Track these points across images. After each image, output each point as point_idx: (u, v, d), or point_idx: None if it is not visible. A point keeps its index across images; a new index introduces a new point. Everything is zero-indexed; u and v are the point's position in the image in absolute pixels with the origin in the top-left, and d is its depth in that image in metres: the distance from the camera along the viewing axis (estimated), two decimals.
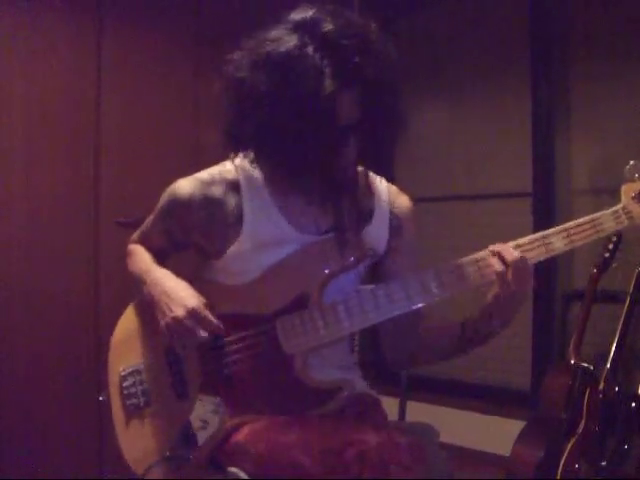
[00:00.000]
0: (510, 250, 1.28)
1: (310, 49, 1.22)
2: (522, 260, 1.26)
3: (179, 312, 1.32)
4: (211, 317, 1.33)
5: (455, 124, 3.37)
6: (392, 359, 1.53)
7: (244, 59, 1.29)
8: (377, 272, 1.49)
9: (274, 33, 1.27)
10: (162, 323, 1.35)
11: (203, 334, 1.32)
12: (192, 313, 1.32)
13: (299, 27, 1.26)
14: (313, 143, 1.25)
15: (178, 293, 1.36)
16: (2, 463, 2.50)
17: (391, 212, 1.48)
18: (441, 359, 1.48)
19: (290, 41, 1.24)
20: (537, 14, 2.99)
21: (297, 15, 1.28)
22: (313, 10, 1.28)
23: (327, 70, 1.21)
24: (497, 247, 1.29)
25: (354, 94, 1.25)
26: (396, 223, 1.48)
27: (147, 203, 1.56)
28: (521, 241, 1.32)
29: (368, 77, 1.23)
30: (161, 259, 1.53)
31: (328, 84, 1.20)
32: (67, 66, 2.72)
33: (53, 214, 2.68)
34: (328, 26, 1.24)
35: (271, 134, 1.27)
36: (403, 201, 1.52)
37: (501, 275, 1.26)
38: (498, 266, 1.27)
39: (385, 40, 1.30)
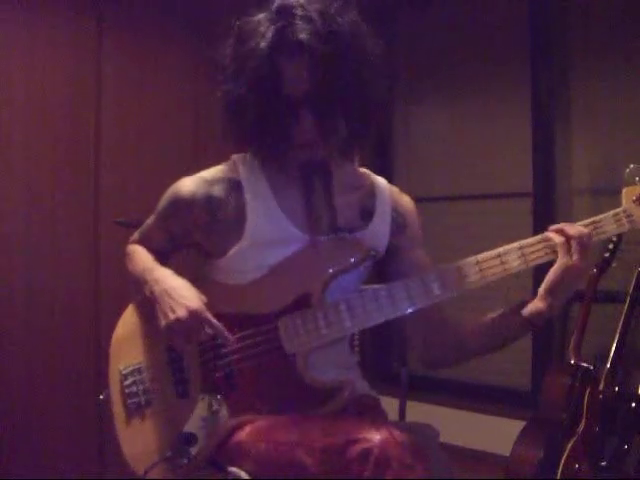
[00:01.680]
0: (572, 225, 1.30)
1: (264, 20, 1.29)
2: (585, 234, 1.29)
3: (181, 313, 1.32)
4: (212, 318, 1.33)
5: (455, 124, 3.36)
6: (428, 359, 1.51)
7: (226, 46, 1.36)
8: (386, 271, 1.49)
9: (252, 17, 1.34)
10: (163, 323, 1.35)
11: (204, 336, 1.32)
12: (194, 314, 1.32)
13: (270, 9, 1.31)
14: (263, 112, 1.29)
15: (180, 293, 1.35)
16: (3, 463, 2.50)
17: (394, 211, 1.48)
18: (484, 354, 1.48)
19: (255, 19, 1.31)
20: (537, 14, 2.99)
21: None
22: None
23: (268, 34, 1.26)
24: (557, 226, 1.32)
25: (298, 63, 1.26)
26: (400, 221, 1.49)
27: (147, 203, 1.56)
28: (524, 242, 1.32)
29: (305, 43, 1.25)
30: (161, 259, 1.53)
31: (263, 44, 1.26)
32: (67, 66, 2.72)
33: (53, 214, 2.68)
34: (292, 2, 1.29)
35: (235, 112, 1.33)
36: (405, 200, 1.53)
37: (564, 246, 1.28)
38: (558, 239, 1.29)
39: (347, 18, 1.31)
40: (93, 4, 2.77)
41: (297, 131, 1.32)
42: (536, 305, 1.33)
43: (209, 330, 1.33)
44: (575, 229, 1.30)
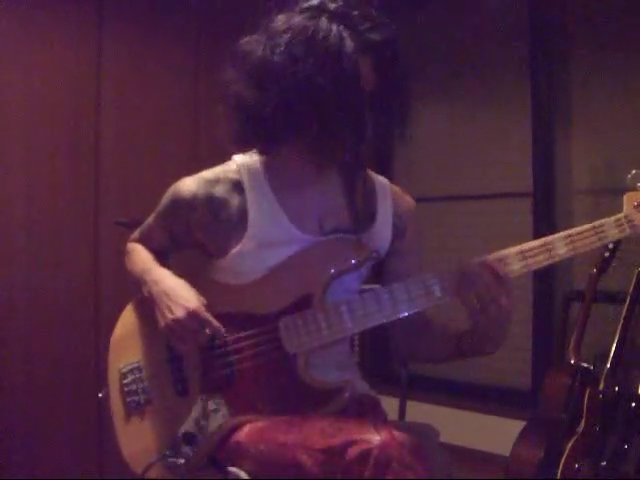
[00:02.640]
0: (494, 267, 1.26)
1: (324, 22, 1.28)
2: (500, 278, 1.25)
3: (179, 313, 1.32)
4: (212, 319, 1.33)
5: (455, 124, 3.36)
6: (404, 352, 1.54)
7: (260, 46, 1.31)
8: (382, 273, 1.49)
9: (288, 19, 1.31)
10: (162, 324, 1.36)
11: (203, 336, 1.33)
12: (193, 315, 1.32)
13: (309, 10, 1.31)
14: (346, 109, 1.27)
15: (178, 293, 1.36)
16: (2, 463, 2.50)
17: (395, 213, 1.48)
18: (437, 361, 1.49)
19: (304, 20, 1.29)
20: (537, 14, 2.99)
21: (304, 3, 1.33)
22: None
23: (346, 38, 1.27)
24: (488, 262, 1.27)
25: (369, 60, 1.29)
26: (400, 224, 1.48)
27: (147, 203, 1.56)
28: (525, 247, 1.32)
29: (379, 42, 1.29)
30: (161, 258, 1.53)
31: (349, 45, 1.26)
32: (67, 66, 2.72)
33: (53, 214, 2.68)
34: (333, 5, 1.30)
35: (305, 114, 1.28)
36: (407, 202, 1.53)
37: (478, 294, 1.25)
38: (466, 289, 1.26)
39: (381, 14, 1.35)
40: (93, 3, 2.76)
41: (363, 133, 1.32)
42: (467, 339, 1.34)
43: (208, 331, 1.33)
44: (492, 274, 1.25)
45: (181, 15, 2.99)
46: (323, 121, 1.28)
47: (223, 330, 1.34)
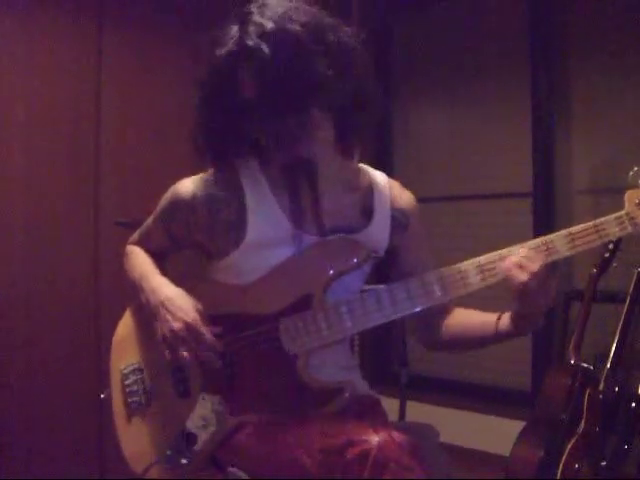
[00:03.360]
0: (533, 261, 1.26)
1: (231, 27, 1.30)
2: (545, 271, 1.26)
3: (176, 325, 1.33)
4: (208, 334, 1.33)
5: (455, 124, 3.37)
6: (428, 343, 1.54)
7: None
8: (389, 270, 1.49)
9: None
10: (159, 334, 1.36)
11: (197, 351, 1.32)
12: (189, 327, 1.32)
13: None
14: (221, 116, 1.32)
15: (176, 304, 1.36)
16: (2, 463, 2.50)
17: (394, 209, 1.47)
18: (474, 349, 1.50)
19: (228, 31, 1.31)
20: (536, 14, 2.99)
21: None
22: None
23: (225, 43, 1.29)
24: (514, 259, 1.27)
25: (247, 66, 1.26)
26: (401, 219, 1.47)
27: (147, 203, 1.56)
28: (525, 245, 1.31)
29: (250, 47, 1.24)
30: (160, 259, 1.53)
31: (220, 52, 1.29)
32: (67, 66, 2.72)
33: (53, 214, 2.68)
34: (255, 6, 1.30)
35: (202, 122, 1.38)
36: (406, 197, 1.51)
37: (525, 285, 1.24)
38: (522, 276, 1.25)
39: (314, 20, 1.31)
40: (93, 3, 2.76)
41: (264, 133, 1.32)
42: (507, 324, 1.34)
43: (204, 345, 1.33)
44: (534, 266, 1.25)
45: (181, 16, 2.99)
46: (205, 124, 1.37)
47: (219, 345, 1.34)
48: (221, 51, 1.28)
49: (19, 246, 2.61)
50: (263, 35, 1.24)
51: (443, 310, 1.46)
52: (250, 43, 1.24)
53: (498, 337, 1.36)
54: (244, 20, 1.28)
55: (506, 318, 1.35)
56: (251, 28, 1.25)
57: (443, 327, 1.47)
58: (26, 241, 2.62)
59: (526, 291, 1.25)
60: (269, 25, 1.24)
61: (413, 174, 3.42)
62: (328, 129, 1.33)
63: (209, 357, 1.34)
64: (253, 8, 1.29)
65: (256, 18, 1.26)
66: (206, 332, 1.33)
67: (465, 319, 1.45)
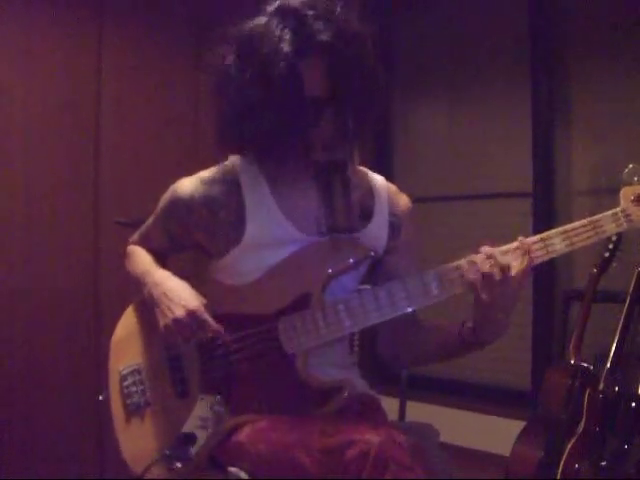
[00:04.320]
0: (497, 257, 1.24)
1: (274, 23, 1.27)
2: (507, 267, 1.23)
3: (179, 313, 1.33)
4: (211, 319, 1.33)
5: (455, 124, 3.36)
6: (390, 357, 1.54)
7: (224, 50, 1.34)
8: (378, 271, 1.49)
9: (251, 20, 1.33)
10: (162, 324, 1.36)
11: (202, 335, 1.33)
12: (192, 315, 1.33)
13: (272, 10, 1.30)
14: (285, 115, 1.27)
15: (178, 294, 1.36)
16: (2, 463, 2.50)
17: (391, 212, 1.48)
18: (439, 360, 1.47)
19: (259, 22, 1.30)
20: (537, 15, 2.99)
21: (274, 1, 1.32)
22: None
23: (286, 37, 1.24)
24: (486, 251, 1.26)
25: (320, 63, 1.26)
26: (396, 223, 1.48)
27: (147, 203, 1.56)
28: (523, 241, 1.32)
29: (328, 44, 1.24)
30: (161, 260, 1.53)
31: (285, 48, 1.23)
32: (67, 65, 2.72)
33: (53, 214, 2.68)
34: (294, 3, 1.28)
35: (248, 117, 1.29)
36: (402, 201, 1.52)
37: (482, 280, 1.23)
38: (472, 274, 1.24)
39: (353, 18, 1.31)
40: (93, 3, 2.77)
41: (317, 133, 1.31)
42: (469, 334, 1.32)
43: (206, 334, 1.33)
44: (488, 266, 1.24)
45: (181, 17, 2.99)
46: (262, 123, 1.28)
47: (223, 331, 1.34)
48: (282, 46, 1.24)
49: (19, 246, 2.61)
50: (340, 33, 1.25)
51: (410, 324, 1.45)
52: (324, 38, 1.23)
53: (461, 345, 1.34)
54: (301, 15, 1.25)
55: (469, 325, 1.32)
56: (318, 23, 1.24)
57: (409, 342, 1.46)
58: (26, 241, 2.62)
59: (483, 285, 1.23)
60: (336, 21, 1.25)
61: (413, 174, 3.42)
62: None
63: (216, 332, 1.33)
64: (302, 7, 1.27)
65: (314, 13, 1.25)
66: (209, 318, 1.33)
67: (435, 326, 1.44)
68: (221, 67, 1.33)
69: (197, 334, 1.33)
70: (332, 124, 1.31)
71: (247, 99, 1.28)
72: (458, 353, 1.39)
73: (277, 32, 1.25)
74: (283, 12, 1.28)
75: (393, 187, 1.53)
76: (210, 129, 1.41)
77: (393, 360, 1.54)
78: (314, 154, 1.34)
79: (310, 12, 1.25)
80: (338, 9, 1.28)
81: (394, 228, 1.48)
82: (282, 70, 1.23)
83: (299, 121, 1.28)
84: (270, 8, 1.31)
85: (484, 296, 1.23)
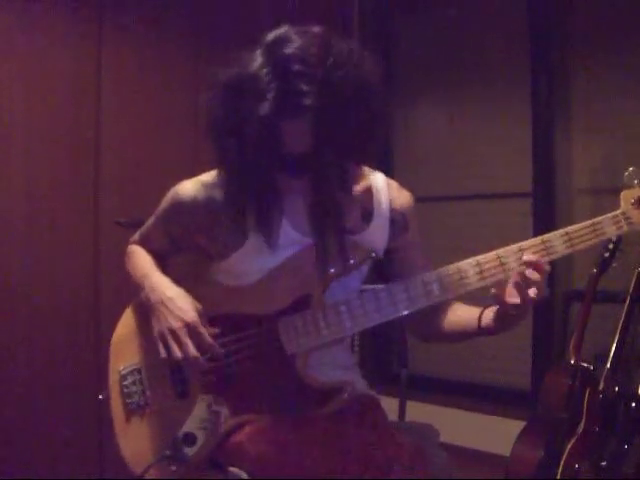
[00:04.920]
0: (531, 256, 1.26)
1: (263, 72, 1.19)
2: (541, 266, 1.25)
3: (175, 324, 1.33)
4: (206, 333, 1.33)
5: (455, 124, 3.36)
6: (420, 333, 1.54)
7: (218, 81, 1.28)
8: (385, 272, 1.49)
9: (247, 54, 1.25)
10: (156, 331, 1.36)
11: (194, 352, 1.32)
12: (188, 327, 1.33)
13: (267, 47, 1.22)
14: (255, 167, 1.24)
15: (176, 303, 1.36)
16: (2, 463, 2.50)
17: (393, 209, 1.47)
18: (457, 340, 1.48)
19: (253, 62, 1.22)
20: (536, 14, 2.99)
21: (269, 35, 1.24)
22: (285, 30, 1.23)
23: (270, 94, 1.17)
24: (514, 253, 1.28)
25: (301, 124, 1.19)
26: (400, 220, 1.48)
27: (147, 203, 1.56)
28: (523, 244, 1.32)
29: (311, 108, 1.16)
30: (161, 261, 1.53)
31: (266, 107, 1.17)
32: (67, 66, 2.72)
33: (53, 214, 2.68)
34: (288, 49, 1.19)
35: (228, 151, 1.26)
36: (404, 196, 1.51)
37: (521, 281, 1.24)
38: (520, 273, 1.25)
39: (358, 69, 1.22)
40: (93, 3, 2.76)
41: (300, 182, 1.30)
42: (494, 319, 1.33)
43: (201, 347, 1.33)
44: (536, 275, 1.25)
45: (181, 20, 2.99)
46: (241, 174, 1.28)
47: (217, 347, 1.34)
48: (265, 104, 1.17)
49: (19, 246, 2.61)
50: (329, 91, 1.17)
51: (440, 305, 1.45)
52: (307, 102, 1.15)
53: (480, 332, 1.37)
54: (289, 72, 1.17)
55: (490, 313, 1.34)
56: (302, 84, 1.16)
57: (439, 321, 1.47)
58: (26, 241, 2.62)
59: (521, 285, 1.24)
60: (321, 74, 1.17)
61: (413, 174, 3.42)
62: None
63: (202, 363, 1.33)
64: (294, 57, 1.19)
65: (301, 68, 1.17)
66: (204, 332, 1.33)
67: (454, 313, 1.46)
68: (209, 99, 1.28)
69: (190, 349, 1.32)
70: (316, 172, 1.26)
71: (227, 141, 1.25)
72: (469, 337, 1.41)
73: (262, 85, 1.18)
74: (274, 60, 1.20)
75: (394, 183, 1.52)
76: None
77: (426, 339, 1.55)
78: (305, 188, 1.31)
79: (298, 67, 1.17)
80: (331, 59, 1.20)
81: (398, 225, 1.48)
82: (259, 129, 1.19)
83: (273, 177, 1.28)
84: (267, 42, 1.23)
85: (517, 297, 1.24)
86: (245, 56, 1.24)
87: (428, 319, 1.47)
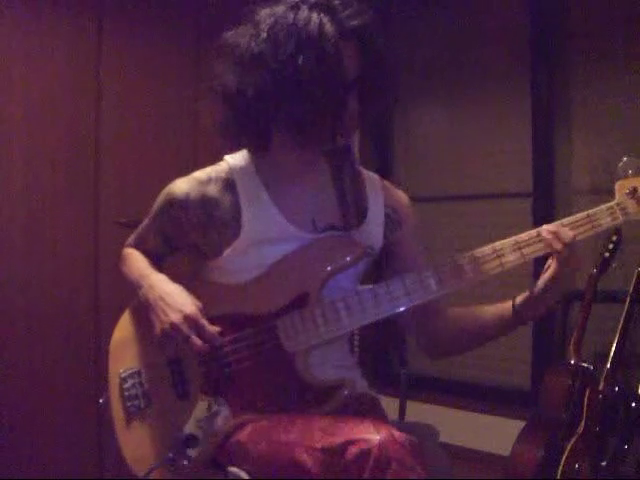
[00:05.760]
0: (566, 230, 1.30)
1: (304, 11, 1.29)
2: (574, 238, 1.29)
3: (175, 317, 1.33)
4: (207, 325, 1.33)
5: (455, 124, 3.36)
6: (429, 347, 1.53)
7: (244, 37, 1.33)
8: (385, 268, 1.49)
9: (271, 10, 1.33)
10: (158, 328, 1.36)
11: (197, 342, 1.32)
12: (188, 320, 1.33)
13: (293, 3, 1.32)
14: (325, 95, 1.27)
15: (175, 298, 1.36)
16: (2, 463, 2.50)
17: (387, 206, 1.48)
18: (478, 344, 1.47)
19: (285, 11, 1.31)
20: (537, 14, 2.99)
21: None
22: None
23: (327, 23, 1.27)
24: (550, 228, 1.32)
25: (352, 47, 1.30)
26: (394, 217, 1.49)
27: (147, 203, 1.56)
28: (520, 237, 1.32)
29: (359, 28, 1.30)
30: (157, 262, 1.53)
31: (329, 30, 1.27)
32: (67, 66, 2.72)
33: (53, 214, 2.68)
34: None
35: (286, 98, 1.29)
36: (399, 195, 1.53)
37: (561, 253, 1.28)
38: (557, 245, 1.29)
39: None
40: (93, 3, 2.76)
41: (345, 116, 1.33)
42: (530, 302, 1.35)
43: (203, 337, 1.33)
44: (568, 236, 1.30)
45: (181, 20, 2.99)
46: (305, 104, 1.28)
47: (218, 337, 1.34)
48: (326, 29, 1.27)
49: (19, 246, 2.61)
50: (367, 20, 1.31)
51: (435, 312, 1.46)
52: (357, 23, 1.29)
53: (515, 320, 1.37)
54: (330, 4, 1.30)
55: (520, 299, 1.36)
56: (348, 11, 1.30)
57: (442, 328, 1.47)
58: (26, 241, 2.62)
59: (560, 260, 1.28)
60: (366, 11, 1.31)
61: (413, 174, 3.42)
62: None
63: (207, 349, 1.33)
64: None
65: (345, 2, 1.31)
66: (205, 323, 1.33)
67: (471, 311, 1.45)
68: (249, 49, 1.31)
69: (193, 339, 1.33)
70: (354, 108, 1.33)
71: (285, 80, 1.27)
72: (495, 335, 1.41)
73: (314, 18, 1.28)
74: (307, 2, 1.31)
75: (387, 183, 1.54)
76: (218, 124, 1.40)
77: (436, 353, 1.54)
78: (328, 139, 1.35)
79: (335, 1, 1.31)
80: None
81: (392, 221, 1.48)
82: (329, 51, 1.26)
83: (337, 102, 1.30)
84: (288, 2, 1.33)
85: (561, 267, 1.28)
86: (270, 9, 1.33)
87: (434, 328, 1.47)
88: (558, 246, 1.29)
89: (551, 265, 1.31)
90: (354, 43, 1.30)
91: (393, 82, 1.41)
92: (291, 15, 1.29)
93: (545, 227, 1.32)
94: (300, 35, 1.26)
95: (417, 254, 1.50)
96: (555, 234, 1.30)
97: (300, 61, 1.25)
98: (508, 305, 1.38)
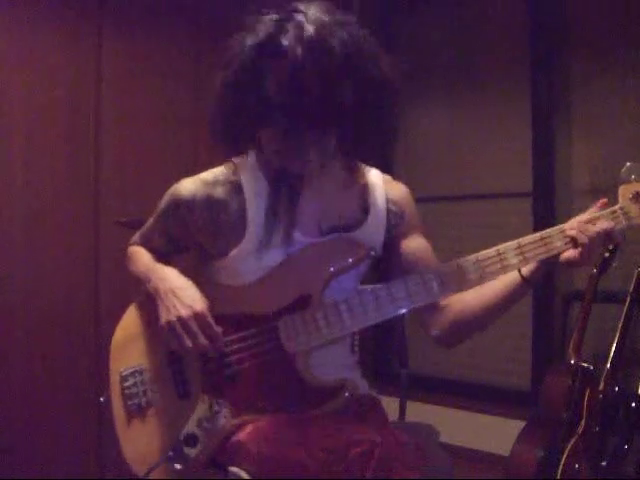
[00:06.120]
0: (592, 225, 1.30)
1: (268, 24, 1.24)
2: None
3: (185, 313, 1.33)
4: (214, 323, 1.33)
5: (455, 124, 3.37)
6: (442, 339, 1.47)
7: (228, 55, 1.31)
8: (390, 262, 1.48)
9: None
10: (164, 320, 1.35)
11: (203, 340, 1.32)
12: (197, 316, 1.32)
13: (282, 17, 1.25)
14: (239, 113, 1.26)
15: (187, 292, 1.36)
16: (2, 463, 2.50)
17: (388, 201, 1.48)
18: (491, 322, 1.44)
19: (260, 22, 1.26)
20: (537, 15, 2.99)
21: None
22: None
23: (261, 34, 1.22)
24: (575, 225, 1.31)
25: (281, 69, 1.19)
26: (396, 210, 1.48)
27: (147, 203, 1.56)
28: (523, 241, 1.32)
29: (294, 53, 1.18)
30: (162, 262, 1.52)
31: (251, 43, 1.23)
32: (67, 66, 2.72)
33: (53, 214, 2.68)
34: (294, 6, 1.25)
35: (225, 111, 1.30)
36: (399, 188, 1.52)
37: (585, 245, 1.28)
38: (582, 238, 1.28)
39: (353, 36, 1.24)
40: (93, 4, 2.76)
41: (267, 137, 1.29)
42: (539, 270, 1.35)
43: (207, 336, 1.33)
44: (595, 229, 1.30)
45: (181, 20, 2.99)
46: (224, 113, 1.30)
47: (222, 337, 1.34)
48: (251, 40, 1.23)
49: (19, 246, 2.61)
50: (301, 39, 1.19)
51: (442, 305, 1.43)
52: (285, 43, 1.19)
53: (527, 288, 1.37)
54: (285, 17, 1.22)
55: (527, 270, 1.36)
56: (290, 27, 1.20)
57: (451, 319, 1.42)
58: (26, 241, 2.62)
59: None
60: (310, 31, 1.19)
61: (413, 174, 3.42)
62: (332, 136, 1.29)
63: (211, 348, 1.33)
64: (300, 7, 1.23)
65: (299, 18, 1.21)
66: (212, 323, 1.33)
67: (472, 297, 1.41)
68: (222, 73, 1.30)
69: (199, 337, 1.32)
70: (280, 132, 1.25)
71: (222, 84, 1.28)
72: (506, 308, 1.39)
73: (264, 26, 1.24)
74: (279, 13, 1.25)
75: (387, 177, 1.53)
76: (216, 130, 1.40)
77: (446, 341, 1.48)
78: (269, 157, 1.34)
79: (297, 17, 1.22)
80: (332, 23, 1.22)
81: (395, 215, 1.48)
82: (242, 60, 1.23)
83: (251, 119, 1.27)
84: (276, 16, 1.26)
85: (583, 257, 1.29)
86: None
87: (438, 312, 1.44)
88: (583, 240, 1.29)
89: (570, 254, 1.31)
90: (287, 64, 1.18)
91: (386, 112, 1.33)
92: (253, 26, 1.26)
93: (567, 224, 1.32)
94: (240, 40, 1.26)
95: (419, 246, 1.48)
96: (579, 229, 1.30)
97: (229, 66, 1.26)
98: (513, 276, 1.36)
